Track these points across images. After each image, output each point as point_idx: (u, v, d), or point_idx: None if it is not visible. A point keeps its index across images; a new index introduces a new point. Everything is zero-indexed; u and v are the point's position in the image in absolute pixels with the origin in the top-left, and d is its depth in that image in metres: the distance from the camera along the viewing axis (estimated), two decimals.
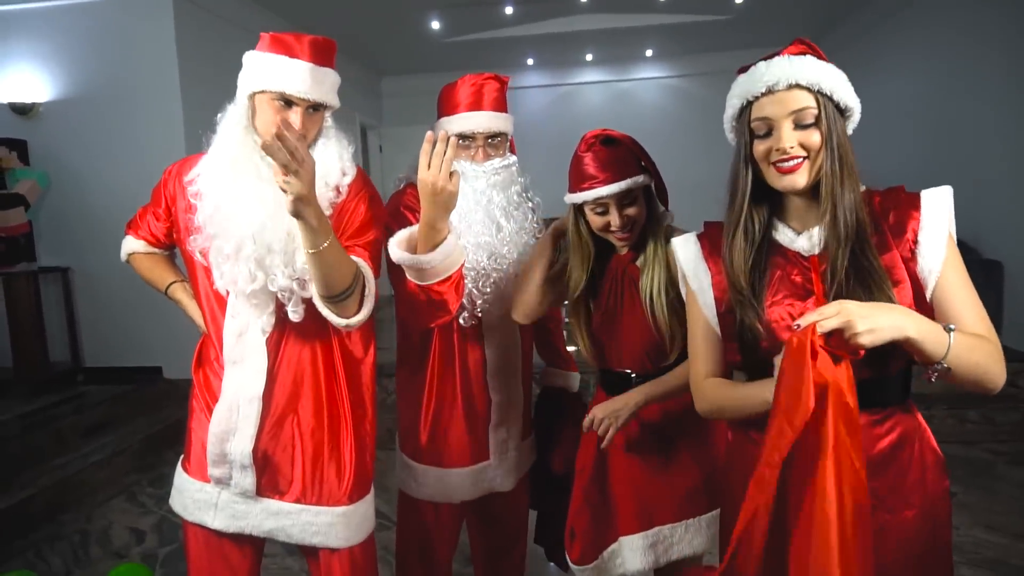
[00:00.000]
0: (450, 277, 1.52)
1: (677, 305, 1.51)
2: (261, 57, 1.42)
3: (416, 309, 1.59)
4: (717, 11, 6.25)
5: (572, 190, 1.56)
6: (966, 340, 1.02)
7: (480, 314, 1.78)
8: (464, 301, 1.71)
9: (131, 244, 1.69)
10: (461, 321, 1.76)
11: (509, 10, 6.01)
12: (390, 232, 1.63)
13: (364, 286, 1.45)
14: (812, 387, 0.96)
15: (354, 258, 1.44)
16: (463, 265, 1.57)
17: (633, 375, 1.61)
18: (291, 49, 1.41)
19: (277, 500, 1.53)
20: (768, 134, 1.13)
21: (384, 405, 4.12)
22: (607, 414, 1.55)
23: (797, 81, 1.10)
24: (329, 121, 1.53)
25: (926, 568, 1.15)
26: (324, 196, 1.45)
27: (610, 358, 1.65)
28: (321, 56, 1.44)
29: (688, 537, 1.62)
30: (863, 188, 1.16)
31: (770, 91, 1.12)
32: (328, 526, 1.53)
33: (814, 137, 1.10)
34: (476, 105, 1.75)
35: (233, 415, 1.48)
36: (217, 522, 1.52)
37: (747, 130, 1.16)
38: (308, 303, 1.45)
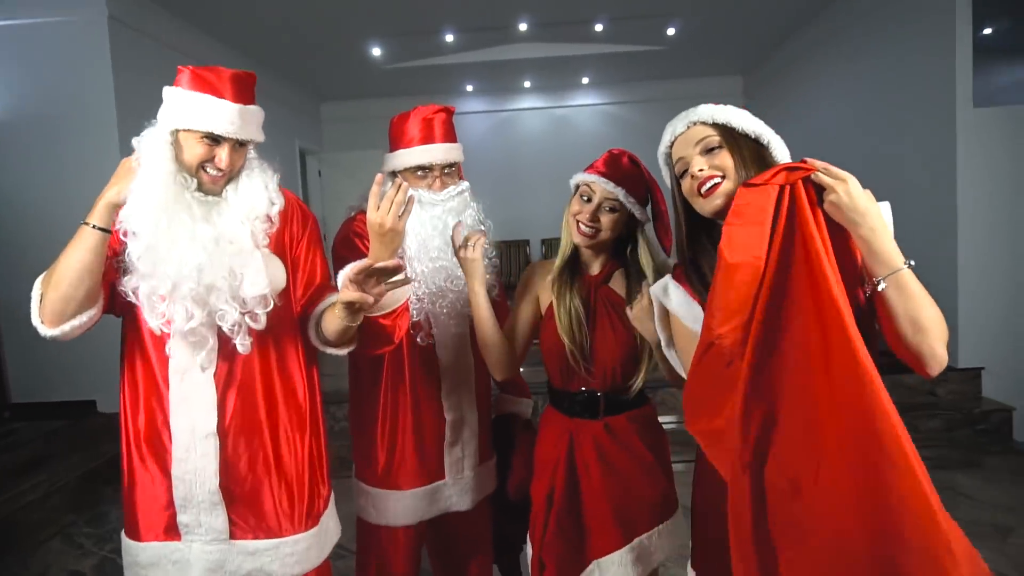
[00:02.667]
0: (394, 311, 1.60)
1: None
2: (185, 95, 1.41)
3: (361, 339, 1.65)
4: (651, 42, 6.51)
5: (584, 171, 1.66)
6: (918, 288, 1.06)
7: (435, 333, 1.85)
8: (421, 320, 1.82)
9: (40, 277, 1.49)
10: (418, 340, 1.84)
11: (449, 38, 6.11)
12: (341, 259, 1.74)
13: None
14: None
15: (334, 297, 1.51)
16: (407, 300, 1.65)
17: (599, 392, 1.65)
18: (215, 88, 1.42)
19: (252, 540, 1.49)
20: (685, 172, 1.28)
21: (332, 432, 4.07)
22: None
23: (691, 120, 1.28)
24: (252, 152, 1.55)
25: None
26: (258, 229, 1.49)
27: (584, 372, 1.64)
28: (245, 94, 1.46)
29: (662, 542, 1.66)
30: None
31: (675, 138, 1.31)
32: (305, 551, 1.54)
33: (725, 159, 1.23)
34: (430, 138, 1.83)
35: (191, 455, 1.45)
36: None
37: (673, 177, 1.32)
38: (254, 333, 1.46)
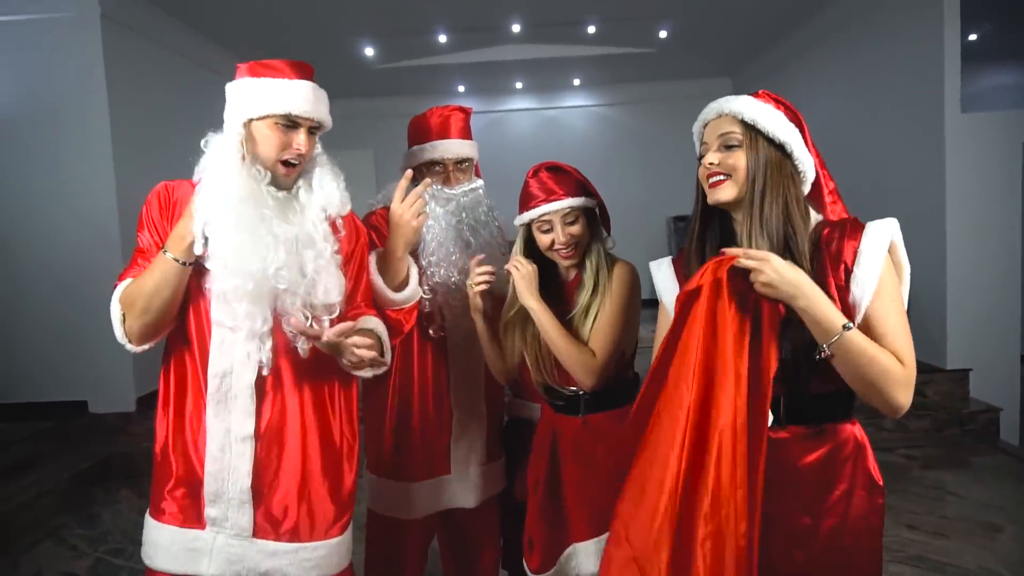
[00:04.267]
0: (404, 308, 1.71)
1: (600, 325, 1.63)
2: (254, 83, 1.40)
3: None
4: (642, 44, 6.55)
5: (520, 211, 1.68)
6: (862, 346, 1.10)
7: (448, 327, 1.88)
8: (434, 313, 1.87)
9: (119, 289, 1.45)
10: (431, 332, 1.88)
11: (443, 38, 6.11)
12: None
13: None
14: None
15: (372, 320, 1.57)
16: (419, 300, 1.77)
17: (581, 393, 1.69)
18: (282, 71, 1.41)
19: (273, 541, 1.49)
20: (703, 155, 1.30)
21: None
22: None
23: (723, 111, 1.28)
24: (319, 147, 1.54)
25: (850, 572, 1.25)
26: (329, 233, 1.48)
27: (560, 375, 1.72)
28: (311, 76, 1.46)
29: None
30: (819, 218, 1.29)
31: (707, 121, 1.31)
32: (324, 558, 1.53)
33: (738, 160, 1.25)
34: (444, 134, 1.88)
35: (226, 455, 1.45)
36: (212, 568, 1.46)
37: (698, 155, 1.34)
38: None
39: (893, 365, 1.12)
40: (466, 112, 1.94)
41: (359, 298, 1.63)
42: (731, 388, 1.10)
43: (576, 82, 8.06)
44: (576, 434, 1.71)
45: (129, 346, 1.44)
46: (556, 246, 1.65)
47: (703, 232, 1.34)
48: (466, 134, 1.92)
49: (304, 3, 5.00)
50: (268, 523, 1.49)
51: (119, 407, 4.41)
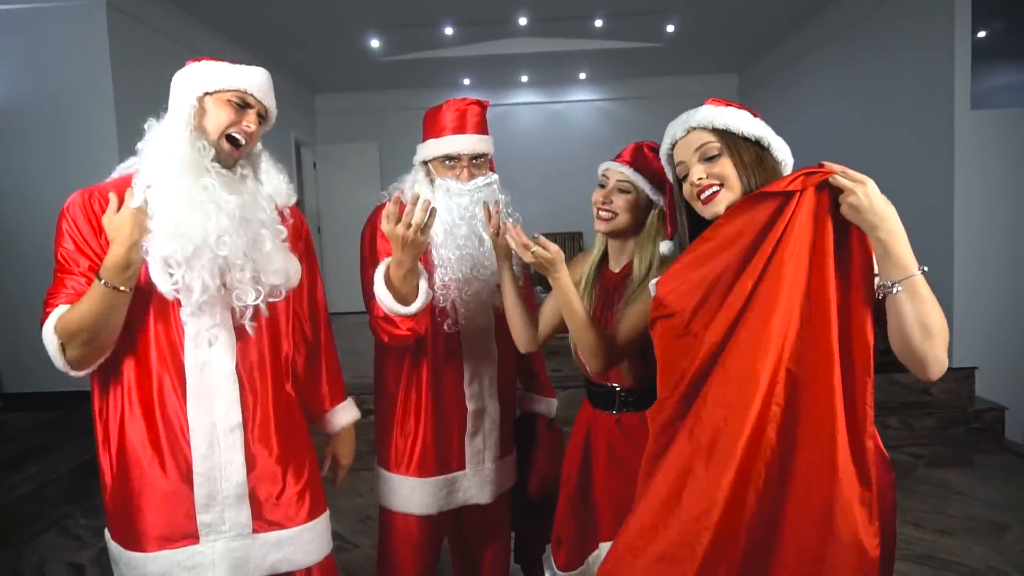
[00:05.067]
0: (415, 314, 1.71)
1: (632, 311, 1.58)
2: (212, 64, 1.44)
3: (386, 330, 1.74)
4: (649, 39, 6.52)
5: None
6: (929, 293, 1.08)
7: (462, 322, 1.86)
8: (447, 308, 1.84)
9: (54, 316, 1.32)
10: (445, 327, 1.85)
11: (449, 31, 6.09)
12: (365, 260, 1.84)
13: None
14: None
15: None
16: (428, 306, 1.75)
17: (618, 388, 1.67)
18: (236, 61, 1.46)
19: (276, 531, 1.47)
20: (686, 176, 1.29)
21: None
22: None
23: (691, 125, 1.28)
24: (260, 144, 1.58)
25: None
26: (277, 219, 1.51)
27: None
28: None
29: None
30: None
31: (675, 141, 1.31)
32: (323, 534, 1.55)
33: (725, 167, 1.24)
34: (461, 128, 1.84)
35: (215, 451, 1.40)
36: None
37: (675, 178, 1.34)
38: (259, 321, 1.47)
39: (946, 322, 1.10)
40: (483, 106, 1.90)
41: (304, 289, 1.65)
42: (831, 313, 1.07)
43: (582, 76, 8.02)
44: (610, 432, 1.69)
45: (73, 373, 1.35)
46: (596, 207, 1.64)
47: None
48: (482, 129, 1.88)
49: None
50: (267, 514, 1.47)
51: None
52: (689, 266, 1.22)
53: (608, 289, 1.69)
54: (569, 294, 1.53)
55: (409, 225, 1.52)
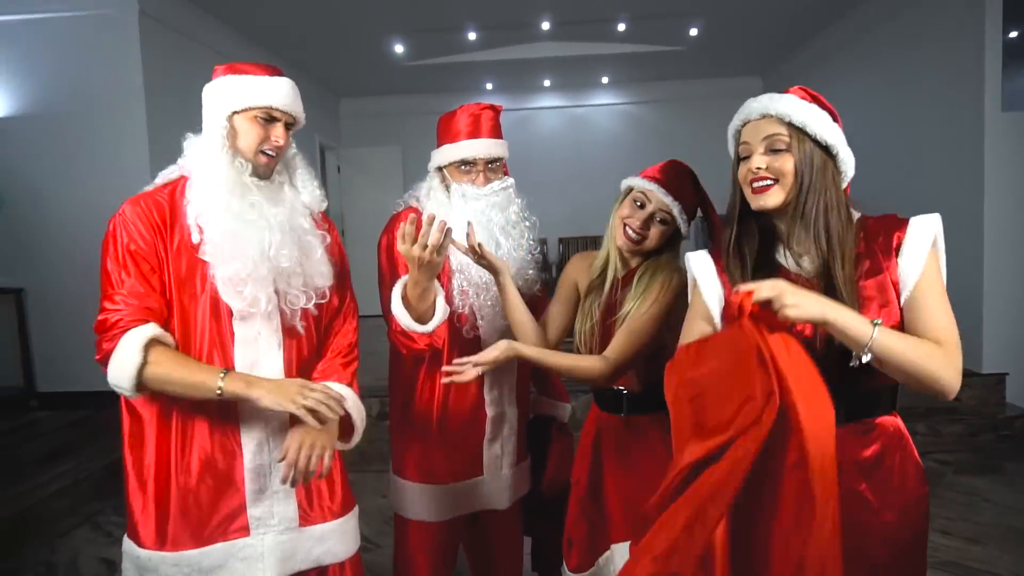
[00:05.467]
0: (430, 333, 1.72)
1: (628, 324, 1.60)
2: (235, 79, 1.46)
3: (402, 343, 1.77)
4: (672, 42, 6.50)
5: (637, 175, 1.67)
6: (896, 337, 1.10)
7: (481, 326, 1.86)
8: (466, 313, 1.84)
9: (144, 335, 1.34)
10: (464, 333, 1.85)
11: (472, 36, 6.13)
12: (385, 264, 1.84)
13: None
14: (752, 336, 1.05)
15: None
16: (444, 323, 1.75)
17: (625, 391, 1.68)
18: (257, 71, 1.49)
19: (320, 524, 1.54)
20: (747, 158, 1.26)
21: None
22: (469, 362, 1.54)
23: (768, 112, 1.24)
24: (294, 147, 1.61)
25: (904, 568, 1.26)
26: (311, 220, 1.57)
27: None
28: (282, 76, 1.53)
29: None
30: (858, 215, 1.27)
31: (748, 121, 1.27)
32: (354, 529, 1.62)
33: (786, 163, 1.22)
34: (475, 133, 1.84)
35: (264, 448, 1.47)
36: (269, 572, 1.47)
37: (736, 154, 1.30)
38: (307, 319, 1.54)
39: (931, 349, 1.11)
40: (496, 110, 1.91)
41: (334, 289, 1.63)
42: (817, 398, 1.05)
43: (605, 80, 8.02)
44: (618, 433, 1.70)
45: (129, 394, 1.36)
46: (628, 225, 1.62)
47: (740, 235, 1.31)
48: (497, 133, 1.89)
49: (337, 2, 5.04)
50: (311, 508, 1.54)
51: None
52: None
53: (615, 292, 1.70)
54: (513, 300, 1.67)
55: (425, 246, 1.52)
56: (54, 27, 4.37)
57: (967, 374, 4.35)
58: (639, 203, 1.63)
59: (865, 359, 1.09)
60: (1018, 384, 4.32)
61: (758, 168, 1.23)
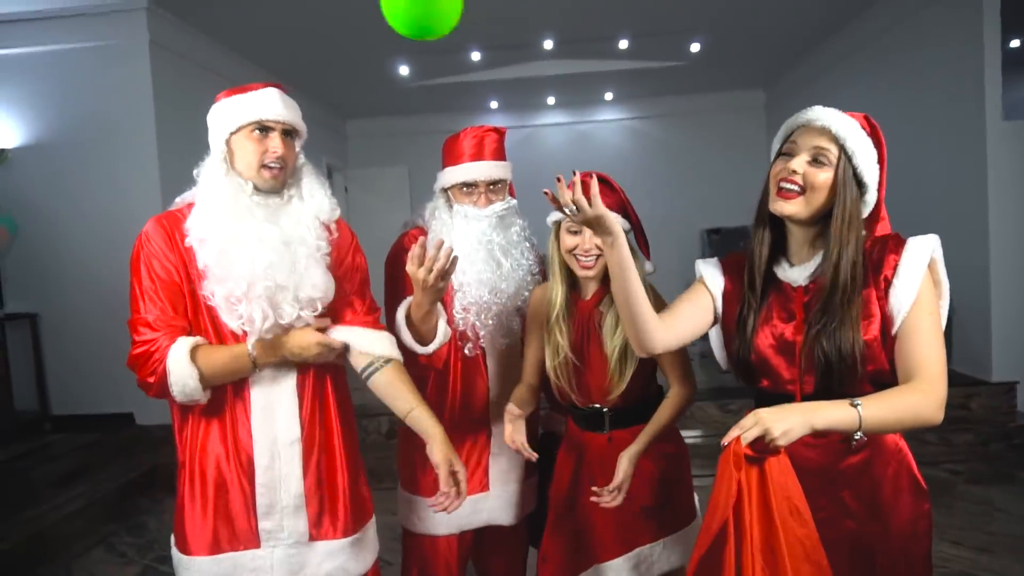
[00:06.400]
0: (429, 355, 1.78)
1: (633, 354, 1.62)
2: (226, 103, 1.50)
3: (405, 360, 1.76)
4: (674, 58, 6.56)
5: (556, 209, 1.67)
6: (880, 407, 1.13)
7: (484, 344, 1.90)
8: (468, 332, 1.87)
9: (183, 349, 1.42)
10: (467, 351, 1.88)
11: (476, 56, 6.21)
12: (390, 277, 1.88)
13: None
14: (732, 495, 1.10)
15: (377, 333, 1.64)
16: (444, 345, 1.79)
17: (605, 409, 1.71)
18: (250, 87, 1.51)
19: (331, 540, 1.55)
20: (789, 156, 1.28)
21: (362, 444, 4.12)
22: (614, 491, 1.61)
23: (828, 126, 1.25)
24: (303, 157, 1.62)
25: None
26: (322, 236, 1.56)
27: (581, 393, 1.74)
28: (281, 89, 1.54)
29: (667, 554, 1.72)
30: (863, 235, 1.29)
31: (805, 124, 1.28)
32: (372, 541, 1.63)
33: (821, 176, 1.24)
34: (478, 155, 1.89)
35: (276, 462, 1.50)
36: None
37: (778, 150, 1.32)
38: None
39: (916, 400, 1.14)
40: (500, 132, 1.95)
41: (352, 291, 1.66)
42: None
43: (608, 96, 8.09)
44: (602, 451, 1.72)
45: (204, 399, 1.45)
46: (579, 252, 1.65)
47: (759, 239, 1.36)
48: (500, 155, 1.93)
49: (341, 24, 5.13)
50: (323, 522, 1.55)
51: (164, 419, 4.47)
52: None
53: (583, 319, 1.72)
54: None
55: (431, 270, 1.55)
56: (67, 59, 4.48)
57: (977, 383, 4.34)
58: (575, 231, 1.66)
59: (861, 438, 1.16)
60: None
61: (794, 171, 1.25)
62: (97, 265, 4.47)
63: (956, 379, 4.29)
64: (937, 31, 4.69)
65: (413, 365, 1.89)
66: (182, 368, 1.39)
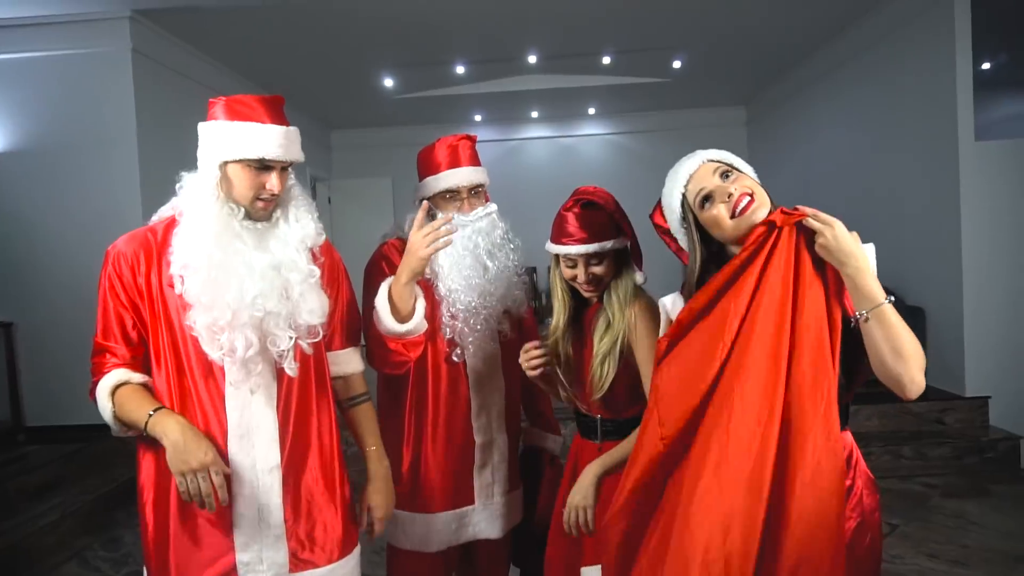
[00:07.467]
0: (407, 339, 1.74)
1: (616, 358, 1.64)
2: (228, 127, 1.43)
3: (377, 354, 1.80)
4: (656, 74, 6.65)
5: (552, 241, 1.70)
6: (898, 320, 1.18)
7: (469, 350, 1.89)
8: (456, 338, 1.87)
9: (113, 380, 1.42)
10: (453, 358, 1.88)
11: (460, 69, 6.25)
12: (368, 284, 1.86)
13: None
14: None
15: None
16: (423, 334, 1.77)
17: (600, 418, 1.73)
18: (254, 114, 1.44)
19: (311, 569, 1.50)
20: (708, 198, 1.34)
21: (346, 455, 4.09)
22: (572, 507, 1.64)
23: (705, 158, 1.40)
24: (293, 178, 1.56)
25: (863, 570, 1.32)
26: (307, 253, 1.52)
27: (582, 402, 1.76)
28: (281, 116, 1.49)
29: None
30: None
31: (690, 175, 1.39)
32: (353, 570, 1.58)
33: (746, 181, 1.33)
34: (455, 163, 1.92)
35: (254, 491, 1.44)
36: None
37: (690, 213, 1.39)
38: (303, 359, 1.50)
39: (916, 342, 1.19)
40: (472, 140, 1.99)
41: (336, 319, 1.66)
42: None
43: (591, 111, 8.17)
44: (592, 460, 1.72)
45: (122, 435, 1.46)
46: (577, 282, 1.68)
47: (703, 274, 1.39)
48: (475, 161, 1.96)
49: (326, 36, 5.15)
50: (303, 553, 1.49)
51: None
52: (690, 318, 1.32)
53: (586, 325, 1.74)
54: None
55: (427, 235, 1.63)
56: (49, 65, 4.45)
57: (951, 397, 4.41)
58: (572, 264, 1.67)
59: (863, 318, 1.18)
60: (1001, 407, 4.38)
61: (733, 191, 1.30)
62: (74, 274, 4.41)
63: (931, 394, 4.37)
64: (912, 53, 4.81)
65: (393, 377, 1.89)
66: (102, 401, 1.42)
